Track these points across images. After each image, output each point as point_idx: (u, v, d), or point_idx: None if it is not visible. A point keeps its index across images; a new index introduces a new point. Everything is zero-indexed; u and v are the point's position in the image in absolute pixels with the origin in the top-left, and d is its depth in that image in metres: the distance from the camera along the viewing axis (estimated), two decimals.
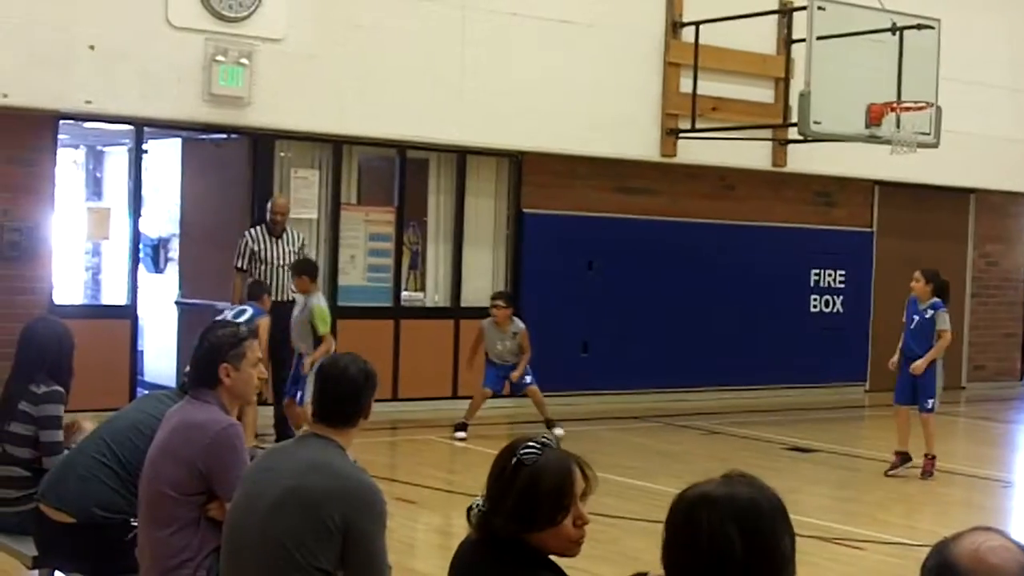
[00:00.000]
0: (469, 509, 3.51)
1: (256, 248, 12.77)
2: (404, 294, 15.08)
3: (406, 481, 10.68)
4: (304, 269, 11.95)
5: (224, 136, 13.99)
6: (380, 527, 4.37)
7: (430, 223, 15.27)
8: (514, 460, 3.39)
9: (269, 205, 13.07)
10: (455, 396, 14.96)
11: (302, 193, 14.13)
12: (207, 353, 5.14)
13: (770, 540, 2.65)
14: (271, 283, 12.55)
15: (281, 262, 12.77)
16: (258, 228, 12.95)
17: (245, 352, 5.16)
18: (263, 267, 12.73)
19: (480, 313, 15.40)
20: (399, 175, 14.92)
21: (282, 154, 14.18)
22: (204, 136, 14.16)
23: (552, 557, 3.43)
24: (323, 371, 4.58)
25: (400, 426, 13.55)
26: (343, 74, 13.68)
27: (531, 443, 3.43)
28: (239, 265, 12.80)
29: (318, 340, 11.61)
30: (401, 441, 13.17)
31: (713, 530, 2.64)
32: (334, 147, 14.35)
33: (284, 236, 12.91)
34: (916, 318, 12.08)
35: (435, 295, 15.28)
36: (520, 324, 13.35)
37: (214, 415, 5.05)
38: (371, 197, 15.02)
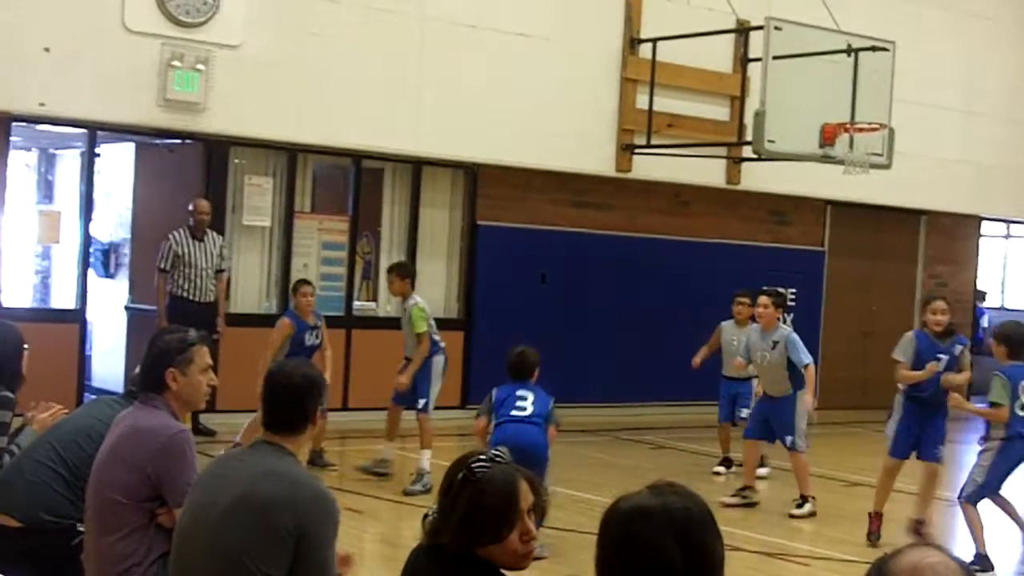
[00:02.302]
0: (424, 517, 3.52)
1: (180, 251, 12.91)
2: (356, 303, 15.04)
3: (354, 491, 10.64)
4: (405, 271, 11.56)
5: (178, 141, 13.91)
6: (332, 535, 4.36)
7: (384, 233, 15.24)
8: (462, 474, 3.41)
9: (192, 207, 13.09)
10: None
11: (256, 200, 14.10)
12: (154, 358, 5.16)
13: (706, 548, 2.71)
14: (195, 286, 12.90)
15: (205, 265, 12.99)
16: (181, 231, 13.05)
17: (193, 357, 5.17)
18: (188, 270, 12.91)
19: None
20: (354, 184, 14.90)
21: (236, 161, 14.13)
22: (158, 141, 14.08)
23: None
24: (269, 379, 4.59)
25: (350, 436, 13.50)
26: (299, 82, 13.65)
27: (481, 457, 3.45)
28: (162, 266, 12.95)
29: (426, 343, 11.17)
30: (351, 451, 13.10)
31: (651, 542, 2.67)
32: (289, 155, 14.31)
33: (206, 239, 13.02)
34: (944, 357, 9.67)
35: (387, 305, 15.24)
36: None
37: (164, 421, 5.05)
38: (325, 206, 14.98)
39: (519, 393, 9.01)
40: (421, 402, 11.23)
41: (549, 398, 9.12)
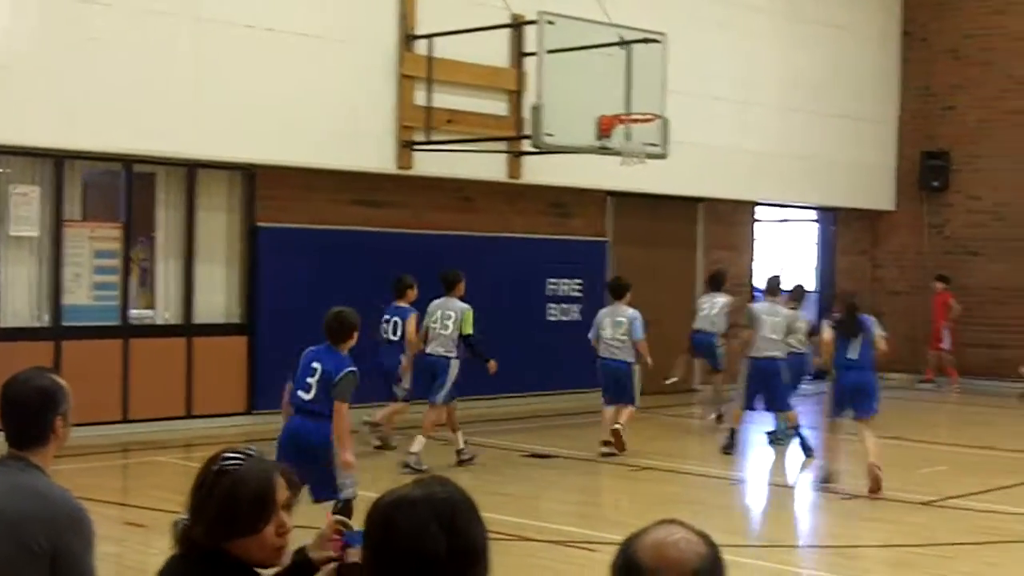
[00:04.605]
0: (174, 524, 3.41)
1: None
2: (133, 312, 14.61)
3: (138, 505, 10.35)
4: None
5: None
6: (89, 548, 4.23)
7: (159, 239, 14.86)
8: (216, 468, 3.34)
9: None
10: (189, 416, 14.59)
11: (22, 210, 13.62)
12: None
13: (470, 536, 2.70)
14: None
15: None
16: None
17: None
18: None
19: (214, 330, 15.04)
20: (125, 190, 14.49)
21: (0, 170, 13.60)
22: None
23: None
24: (3, 393, 4.38)
25: (131, 448, 13.10)
26: (65, 87, 13.19)
27: (233, 452, 3.41)
28: None
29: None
30: (132, 464, 12.74)
31: (415, 530, 2.65)
32: (55, 162, 13.84)
33: None
34: None
35: (165, 312, 14.85)
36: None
37: None
38: (96, 213, 14.55)
39: (312, 365, 8.90)
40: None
41: (342, 368, 8.90)
